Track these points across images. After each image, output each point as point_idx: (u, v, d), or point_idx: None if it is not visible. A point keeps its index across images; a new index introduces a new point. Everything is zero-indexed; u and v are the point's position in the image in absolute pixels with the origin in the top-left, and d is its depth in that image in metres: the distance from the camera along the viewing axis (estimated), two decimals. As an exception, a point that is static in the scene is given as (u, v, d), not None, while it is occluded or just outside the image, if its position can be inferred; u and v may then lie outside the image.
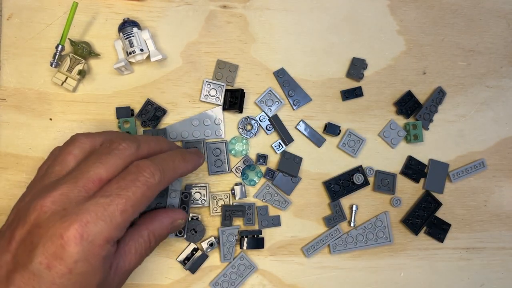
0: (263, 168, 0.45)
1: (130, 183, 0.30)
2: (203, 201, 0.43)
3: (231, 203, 0.44)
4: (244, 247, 0.43)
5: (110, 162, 0.31)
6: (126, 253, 0.32)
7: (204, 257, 0.43)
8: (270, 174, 0.45)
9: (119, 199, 0.29)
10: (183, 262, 0.43)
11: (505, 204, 0.49)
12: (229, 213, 0.43)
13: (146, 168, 0.31)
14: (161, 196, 0.40)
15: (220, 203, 0.44)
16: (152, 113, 0.42)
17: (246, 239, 0.43)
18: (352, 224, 0.46)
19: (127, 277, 0.33)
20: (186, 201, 0.42)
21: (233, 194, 0.44)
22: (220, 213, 0.44)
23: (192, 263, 0.43)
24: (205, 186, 0.43)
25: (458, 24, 0.49)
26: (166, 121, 0.44)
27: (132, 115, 0.42)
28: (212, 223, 0.44)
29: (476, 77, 0.50)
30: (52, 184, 0.30)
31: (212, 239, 0.43)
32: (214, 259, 0.44)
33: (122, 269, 0.32)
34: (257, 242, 0.44)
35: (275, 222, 0.45)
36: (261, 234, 0.44)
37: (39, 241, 0.27)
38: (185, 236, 0.42)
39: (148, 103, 0.43)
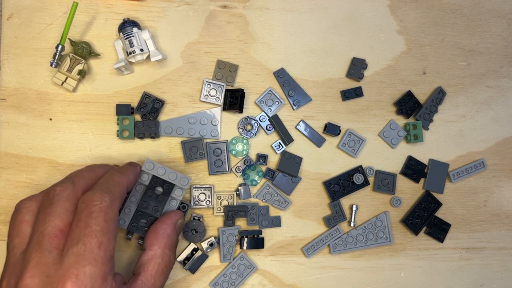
0: (263, 168, 0.45)
1: (87, 218, 0.30)
2: (208, 203, 0.43)
3: (235, 204, 0.44)
4: (244, 247, 0.43)
5: (58, 210, 0.31)
6: (148, 278, 0.33)
7: (204, 257, 0.43)
8: (270, 174, 0.45)
9: (88, 237, 0.29)
10: (183, 262, 0.43)
11: (505, 204, 0.49)
12: (231, 213, 0.43)
13: (92, 198, 0.31)
14: (161, 201, 0.40)
15: (224, 203, 0.44)
16: (151, 105, 0.43)
17: (246, 239, 0.43)
18: (352, 224, 0.46)
19: None
20: (183, 212, 0.42)
21: (238, 195, 0.44)
22: (223, 213, 0.44)
23: (192, 263, 0.43)
24: (210, 188, 0.43)
25: (458, 24, 0.49)
26: (165, 118, 0.44)
27: (132, 113, 0.43)
28: (212, 223, 0.44)
29: (476, 77, 0.50)
30: (20, 259, 0.30)
31: (212, 239, 0.43)
32: (214, 259, 0.44)
33: None
34: (257, 242, 0.44)
35: (276, 222, 0.45)
36: (261, 234, 0.44)
37: None
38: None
39: (145, 95, 0.43)
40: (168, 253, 0.36)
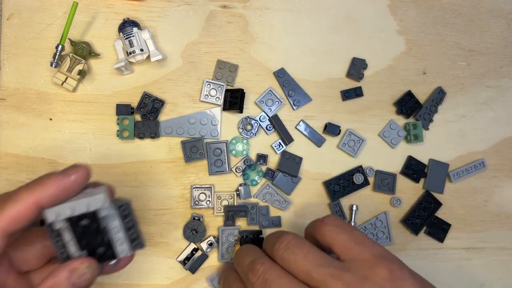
0: (263, 168, 0.45)
1: None
2: (208, 203, 0.43)
3: (235, 204, 0.44)
4: (244, 247, 0.43)
5: None
6: None
7: (204, 257, 0.43)
8: (270, 174, 0.45)
9: None
10: (183, 262, 0.43)
11: (505, 204, 0.49)
12: (231, 213, 0.43)
13: None
14: (97, 232, 0.29)
15: (224, 203, 0.44)
16: (151, 105, 0.43)
17: (246, 239, 0.43)
18: (352, 224, 0.46)
19: None
20: (127, 216, 0.30)
21: (238, 195, 0.44)
22: (223, 213, 0.44)
23: (192, 263, 0.43)
24: (210, 188, 0.43)
25: (458, 24, 0.49)
26: (165, 118, 0.44)
27: (132, 113, 0.43)
28: (212, 223, 0.44)
29: (476, 77, 0.50)
30: None
31: (212, 238, 0.43)
32: (214, 259, 0.44)
33: None
34: (257, 242, 0.44)
35: (276, 222, 0.45)
36: (261, 234, 0.44)
37: None
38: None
39: (145, 95, 0.43)
40: None
